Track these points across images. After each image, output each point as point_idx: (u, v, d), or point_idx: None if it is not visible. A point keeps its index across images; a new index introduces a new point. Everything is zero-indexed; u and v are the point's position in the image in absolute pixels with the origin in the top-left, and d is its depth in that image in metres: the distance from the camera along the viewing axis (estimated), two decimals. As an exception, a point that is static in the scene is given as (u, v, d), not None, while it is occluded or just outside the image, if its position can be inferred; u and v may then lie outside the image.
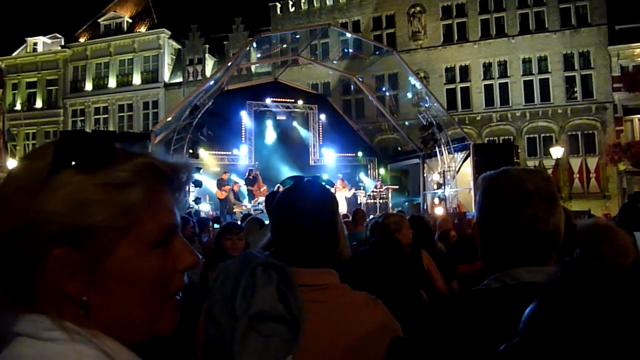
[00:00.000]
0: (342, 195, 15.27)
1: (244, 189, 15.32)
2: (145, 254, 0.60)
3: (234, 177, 15.95)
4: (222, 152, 16.67)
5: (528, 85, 23.08)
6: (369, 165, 18.66)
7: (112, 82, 29.13)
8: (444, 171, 15.72)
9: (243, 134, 17.17)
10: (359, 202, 16.53)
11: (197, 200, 14.65)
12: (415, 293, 2.42)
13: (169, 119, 14.40)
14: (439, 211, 13.78)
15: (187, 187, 0.96)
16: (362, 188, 16.51)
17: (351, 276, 3.67)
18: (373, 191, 16.15)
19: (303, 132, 17.97)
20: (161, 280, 0.62)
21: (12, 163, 23.06)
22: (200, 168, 14.94)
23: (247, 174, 15.59)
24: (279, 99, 17.53)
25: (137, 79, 28.77)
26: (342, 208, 14.84)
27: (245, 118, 17.22)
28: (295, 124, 17.78)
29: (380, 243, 2.68)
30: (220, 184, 15.04)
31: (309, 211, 1.17)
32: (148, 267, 0.60)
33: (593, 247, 2.14)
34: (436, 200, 15.71)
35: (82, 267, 0.57)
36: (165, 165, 0.63)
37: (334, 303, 1.11)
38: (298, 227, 1.16)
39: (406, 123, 18.03)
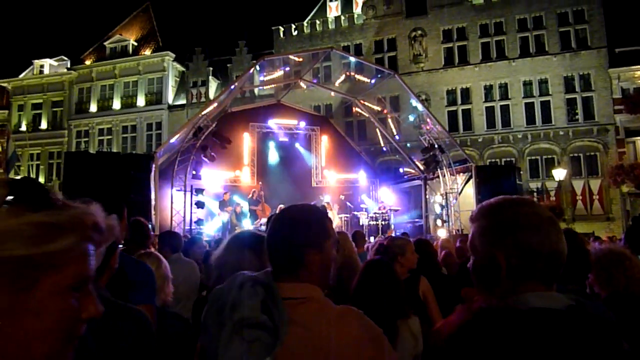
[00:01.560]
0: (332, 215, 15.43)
1: (246, 210, 15.33)
2: (61, 295, 0.66)
3: (236, 198, 15.96)
4: (225, 174, 16.62)
5: (529, 107, 23.22)
6: (370, 187, 18.55)
7: (116, 104, 29.43)
8: (446, 193, 15.64)
9: (246, 155, 17.25)
10: (360, 223, 16.47)
11: (200, 222, 14.73)
12: (392, 323, 2.35)
13: (173, 140, 14.38)
14: (442, 233, 13.71)
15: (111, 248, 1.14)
16: (364, 210, 16.45)
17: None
18: (375, 213, 16.03)
19: (305, 153, 18.00)
20: (69, 321, 0.67)
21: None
22: (203, 190, 15.01)
23: (251, 194, 15.68)
24: (281, 121, 17.64)
25: (141, 101, 29.07)
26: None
27: (248, 140, 17.35)
28: (297, 145, 17.83)
29: (372, 266, 2.66)
30: (223, 205, 15.08)
31: (278, 224, 1.34)
32: (61, 308, 0.66)
33: (607, 273, 2.12)
34: (438, 222, 15.62)
35: (2, 294, 0.62)
36: (95, 222, 0.72)
37: (313, 315, 1.19)
38: (270, 238, 1.33)
39: (408, 145, 18.08)
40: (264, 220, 14.95)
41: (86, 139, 29.65)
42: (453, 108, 24.30)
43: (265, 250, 1.33)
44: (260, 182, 16.28)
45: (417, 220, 17.26)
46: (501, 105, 23.65)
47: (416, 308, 3.21)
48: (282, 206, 15.33)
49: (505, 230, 1.06)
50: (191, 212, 14.46)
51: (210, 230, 15.25)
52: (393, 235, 12.01)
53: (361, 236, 6.22)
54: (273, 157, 17.45)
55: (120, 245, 1.80)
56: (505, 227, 1.07)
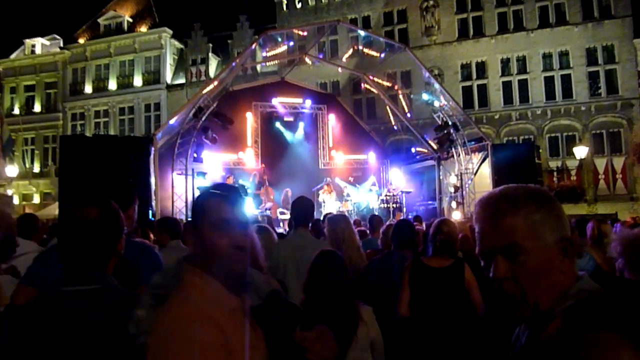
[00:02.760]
0: (329, 199, 15.60)
1: (250, 193, 15.36)
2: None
3: (240, 181, 15.86)
4: (228, 156, 16.60)
5: (549, 82, 22.95)
6: (381, 168, 18.48)
7: (112, 84, 29.41)
8: (460, 173, 15.57)
9: (249, 136, 17.19)
10: (370, 207, 16.53)
11: None
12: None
13: (172, 121, 14.37)
14: (457, 216, 13.67)
15: None
16: (374, 192, 16.46)
17: (367, 285, 3.63)
18: (386, 195, 16.01)
19: (312, 134, 17.95)
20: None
21: (11, 170, 23.26)
22: (205, 173, 15.01)
23: (253, 176, 15.67)
24: (286, 100, 17.47)
25: (138, 81, 29.02)
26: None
27: (251, 120, 17.26)
28: (303, 125, 17.69)
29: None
30: None
31: None
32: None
33: (637, 258, 2.13)
34: (453, 205, 15.55)
35: None
36: None
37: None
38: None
39: (420, 123, 17.99)
40: (269, 204, 15.07)
41: (82, 122, 29.72)
42: (468, 83, 24.10)
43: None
44: (263, 165, 16.26)
45: (430, 202, 17.26)
46: (519, 80, 23.41)
47: (460, 296, 3.30)
48: (288, 190, 15.44)
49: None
50: (193, 197, 14.23)
51: None
52: (402, 217, 11.93)
53: (379, 221, 6.15)
54: (278, 137, 17.41)
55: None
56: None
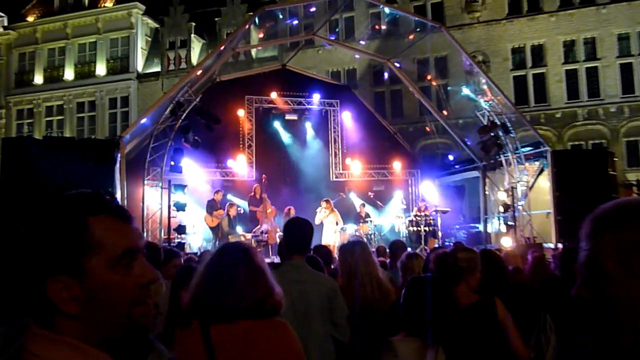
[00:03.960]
0: (329, 222, 15.32)
1: (245, 211, 15.48)
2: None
3: (231, 197, 16.04)
4: (214, 165, 16.60)
5: (626, 71, 22.86)
6: (409, 181, 18.37)
7: (68, 74, 29.67)
8: (512, 187, 15.41)
9: (241, 140, 17.19)
10: (396, 230, 16.50)
11: (181, 229, 14.63)
12: None
13: (144, 120, 14.24)
14: (507, 243, 13.57)
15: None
16: (400, 212, 16.46)
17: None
18: (415, 216, 15.88)
19: (321, 136, 17.89)
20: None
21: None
22: (185, 186, 14.89)
23: (252, 191, 15.65)
24: (288, 93, 17.44)
25: (101, 69, 29.27)
26: (329, 239, 14.82)
27: (244, 119, 17.23)
28: (310, 125, 17.65)
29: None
30: (212, 207, 15.10)
31: None
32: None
33: None
34: (503, 228, 15.42)
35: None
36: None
37: None
38: None
39: (460, 123, 17.92)
40: (265, 226, 15.03)
41: (30, 121, 29.99)
42: (521, 72, 24.06)
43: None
44: (264, 176, 16.20)
45: (472, 225, 17.20)
46: (587, 68, 23.31)
47: (494, 336, 3.28)
48: (291, 208, 15.23)
49: None
50: (169, 216, 14.22)
51: (195, 241, 15.43)
52: (437, 246, 11.90)
53: (402, 247, 6.16)
54: (277, 141, 17.47)
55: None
56: None
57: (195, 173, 15.85)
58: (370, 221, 16.02)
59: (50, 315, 1.09)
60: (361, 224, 15.79)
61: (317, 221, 14.83)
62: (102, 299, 1.10)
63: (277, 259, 10.49)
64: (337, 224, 15.39)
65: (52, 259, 1.09)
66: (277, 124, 17.43)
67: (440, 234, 15.77)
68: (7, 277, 1.12)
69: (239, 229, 15.12)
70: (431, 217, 15.69)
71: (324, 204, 15.42)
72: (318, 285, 3.52)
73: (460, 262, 3.44)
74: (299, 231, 3.70)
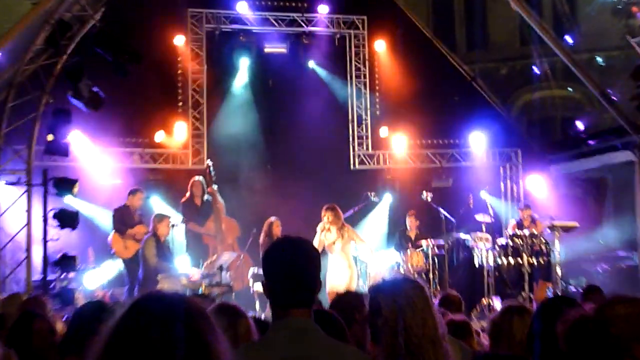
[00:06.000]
0: (337, 249, 10.14)
1: (180, 230, 10.92)
2: None
3: (160, 202, 11.70)
4: (131, 141, 12.34)
5: None
6: (501, 169, 13.65)
7: None
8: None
9: (181, 93, 12.67)
10: (476, 261, 12.10)
11: (67, 263, 10.14)
12: None
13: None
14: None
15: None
16: (482, 226, 11.92)
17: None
18: (515, 236, 11.41)
19: (334, 86, 13.05)
20: None
21: None
22: (75, 181, 10.44)
23: (188, 190, 11.34)
24: (270, 3, 13.02)
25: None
26: (338, 278, 10.54)
27: (186, 53, 12.61)
28: (312, 65, 12.90)
29: None
30: (124, 221, 10.57)
31: None
32: None
33: None
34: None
35: None
36: None
37: None
38: None
39: (598, 61, 14.31)
40: (227, 256, 10.26)
41: None
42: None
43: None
44: (208, 163, 11.19)
45: (621, 252, 12.86)
46: None
47: None
48: (273, 221, 11.14)
49: None
50: (45, 239, 10.12)
51: (91, 282, 10.74)
52: (550, 292, 10.48)
53: (455, 305, 5.19)
54: (248, 96, 12.94)
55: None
56: None
57: (94, 156, 11.55)
58: (429, 247, 11.62)
59: None
60: (410, 251, 11.45)
61: (317, 245, 9.49)
62: None
63: (261, 312, 9.03)
64: (353, 251, 10.50)
65: None
66: (247, 63, 12.83)
67: (559, 268, 11.45)
68: None
69: (179, 262, 10.19)
70: (543, 240, 11.48)
71: (327, 216, 10.07)
72: None
73: (619, 327, 2.34)
74: (295, 266, 2.25)
